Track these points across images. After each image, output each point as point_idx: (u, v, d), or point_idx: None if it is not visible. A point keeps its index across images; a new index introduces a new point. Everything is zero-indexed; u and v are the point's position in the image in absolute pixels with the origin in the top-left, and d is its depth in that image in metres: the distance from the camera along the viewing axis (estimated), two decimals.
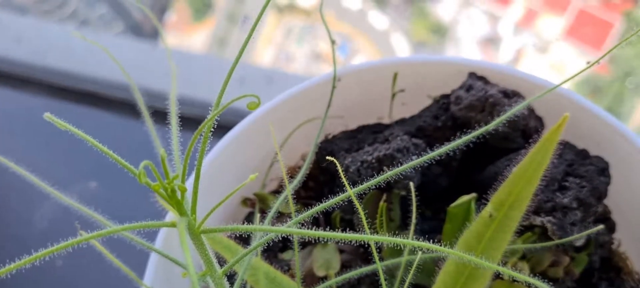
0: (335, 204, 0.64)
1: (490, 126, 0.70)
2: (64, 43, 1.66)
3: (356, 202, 0.64)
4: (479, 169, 0.88)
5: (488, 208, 0.72)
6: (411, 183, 0.73)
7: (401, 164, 0.80)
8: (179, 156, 0.59)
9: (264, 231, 0.58)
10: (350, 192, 0.64)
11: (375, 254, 0.67)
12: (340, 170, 0.61)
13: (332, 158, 0.60)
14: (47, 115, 0.53)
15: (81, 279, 1.39)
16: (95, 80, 1.56)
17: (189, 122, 1.30)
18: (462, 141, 0.70)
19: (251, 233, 0.88)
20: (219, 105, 0.57)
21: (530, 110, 0.83)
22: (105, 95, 1.56)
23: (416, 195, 0.81)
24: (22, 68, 1.57)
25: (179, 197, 0.54)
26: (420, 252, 0.74)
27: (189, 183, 0.57)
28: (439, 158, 0.70)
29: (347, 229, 0.90)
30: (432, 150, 0.79)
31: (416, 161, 0.68)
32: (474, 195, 0.77)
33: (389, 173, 0.66)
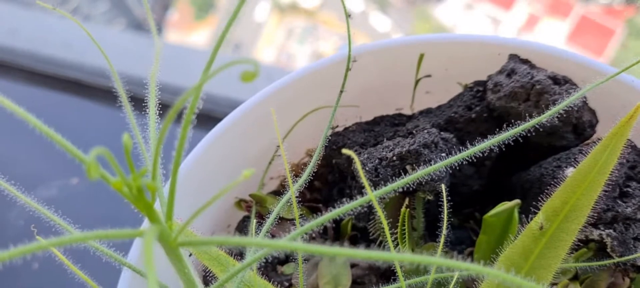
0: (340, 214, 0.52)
1: (544, 117, 0.57)
2: (46, 29, 1.54)
3: (378, 208, 0.52)
4: (517, 170, 0.75)
5: (538, 219, 0.60)
6: (443, 186, 0.61)
7: (427, 162, 0.68)
8: (155, 148, 0.47)
9: (260, 246, 0.45)
10: (371, 195, 0.51)
11: (400, 274, 0.54)
12: (358, 167, 0.48)
13: (349, 152, 0.47)
14: None
15: (58, 283, 1.29)
16: (80, 68, 1.43)
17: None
18: (507, 135, 0.57)
19: None
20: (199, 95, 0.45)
21: (584, 102, 0.70)
22: (90, 83, 1.44)
23: (442, 201, 0.69)
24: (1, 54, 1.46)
25: (149, 199, 0.41)
26: (452, 271, 0.62)
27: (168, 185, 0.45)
28: (472, 156, 0.58)
29: (361, 238, 0.78)
30: (463, 146, 0.66)
31: (451, 159, 0.56)
32: (517, 201, 0.65)
33: (419, 173, 0.54)
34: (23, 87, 1.51)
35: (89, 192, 1.38)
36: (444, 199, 0.61)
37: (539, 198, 0.65)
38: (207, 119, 1.08)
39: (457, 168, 0.70)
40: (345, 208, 0.51)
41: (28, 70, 1.47)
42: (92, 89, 1.47)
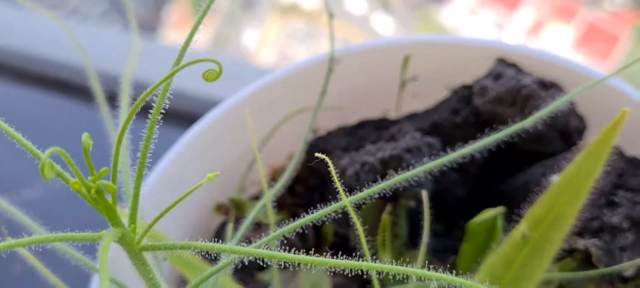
0: (328, 215, 0.52)
1: (527, 122, 0.57)
2: (35, 28, 1.53)
3: (353, 214, 0.51)
4: (503, 177, 0.74)
5: (521, 227, 0.59)
6: (424, 192, 0.60)
7: (411, 168, 0.67)
8: (116, 147, 0.46)
9: (229, 252, 0.45)
10: (346, 201, 0.51)
11: (376, 285, 0.53)
12: (333, 172, 0.47)
13: (323, 156, 0.46)
14: None
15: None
16: (69, 68, 1.42)
17: (182, 118, 1.18)
18: (489, 141, 0.57)
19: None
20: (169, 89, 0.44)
21: (571, 107, 0.69)
22: (79, 83, 1.43)
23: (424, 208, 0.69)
24: None
25: (109, 201, 0.41)
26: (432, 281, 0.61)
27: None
28: (456, 162, 0.58)
29: (342, 245, 0.77)
30: (448, 151, 0.66)
31: (430, 164, 0.55)
32: (500, 209, 0.64)
33: (396, 179, 0.53)
34: (11, 87, 1.50)
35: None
36: (426, 206, 0.60)
37: (523, 206, 0.64)
38: (189, 120, 1.08)
39: (441, 174, 0.69)
40: (319, 214, 0.51)
41: (17, 70, 1.46)
42: (81, 89, 1.46)
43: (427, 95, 0.79)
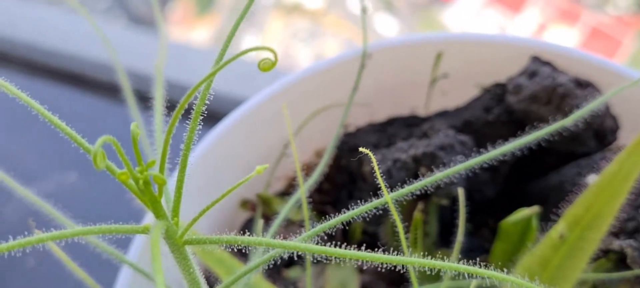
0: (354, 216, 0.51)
1: (567, 121, 0.56)
2: (43, 18, 1.53)
3: (394, 211, 0.51)
4: (533, 177, 0.74)
5: (559, 227, 0.59)
6: (460, 190, 0.59)
7: (443, 165, 0.66)
8: (162, 141, 0.45)
9: (269, 246, 0.44)
10: (387, 197, 0.50)
11: (414, 281, 0.53)
12: (375, 167, 0.47)
13: (366, 151, 0.46)
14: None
15: (53, 281, 1.28)
16: (81, 60, 1.42)
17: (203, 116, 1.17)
18: (528, 140, 0.56)
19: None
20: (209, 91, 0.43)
21: (606, 107, 0.69)
22: (92, 77, 1.43)
23: (457, 207, 0.68)
24: None
25: (156, 193, 0.40)
26: (470, 278, 0.60)
27: (173, 181, 0.44)
28: (487, 162, 0.57)
29: (370, 243, 0.77)
30: (480, 150, 0.65)
31: (466, 163, 0.55)
32: (536, 208, 0.63)
33: (437, 175, 0.53)
34: (22, 79, 1.50)
35: (87, 189, 1.37)
36: (462, 204, 0.60)
37: (559, 206, 0.64)
38: (211, 118, 1.07)
39: (472, 174, 0.69)
40: (359, 210, 0.50)
41: (27, 62, 1.46)
42: (94, 83, 1.46)
43: (456, 93, 0.78)
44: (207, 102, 0.45)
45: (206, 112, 0.43)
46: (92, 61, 1.45)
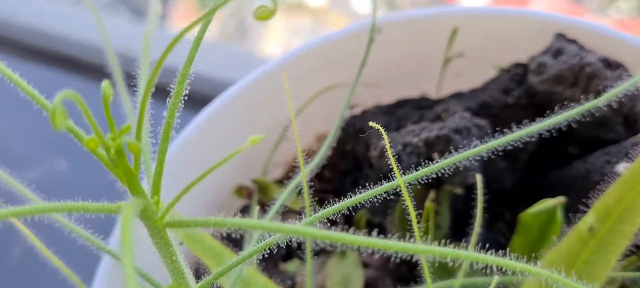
0: (363, 201, 0.46)
1: (598, 102, 0.50)
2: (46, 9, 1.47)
3: (407, 197, 0.45)
4: (556, 165, 0.68)
5: (588, 219, 0.53)
6: (478, 176, 0.54)
7: (459, 151, 0.61)
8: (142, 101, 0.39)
9: (265, 229, 0.39)
10: (400, 180, 0.44)
11: (427, 275, 0.47)
12: (387, 147, 0.41)
13: (376, 126, 0.40)
14: None
15: (40, 272, 1.22)
16: (77, 44, 1.36)
17: (195, 100, 1.13)
18: (552, 122, 0.51)
19: (244, 232, 0.69)
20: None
21: (638, 90, 0.63)
22: (83, 61, 1.37)
23: (471, 196, 0.63)
24: None
25: (131, 165, 0.34)
26: (487, 274, 0.55)
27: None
28: (505, 148, 0.51)
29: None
30: (498, 134, 0.59)
31: (483, 147, 0.49)
32: (561, 199, 0.58)
33: (453, 158, 0.47)
34: (17, 62, 1.44)
35: (76, 177, 1.32)
36: (480, 191, 0.54)
37: (585, 197, 0.58)
38: (204, 102, 1.03)
39: (489, 161, 0.63)
40: (367, 194, 0.45)
41: (24, 46, 1.40)
42: (88, 67, 1.41)
43: (471, 74, 0.72)
44: (191, 77, 0.39)
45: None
46: (87, 44, 1.40)
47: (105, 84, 0.33)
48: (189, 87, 0.40)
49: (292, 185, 0.58)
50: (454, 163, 0.53)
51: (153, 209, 0.37)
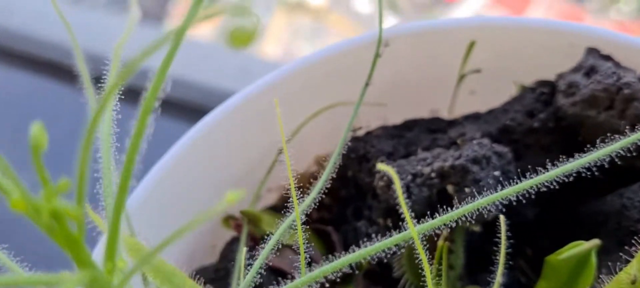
0: (366, 237, 0.38)
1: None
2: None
3: (422, 253, 0.37)
4: (585, 198, 0.60)
5: (631, 270, 0.45)
6: (502, 218, 0.46)
7: (476, 182, 0.53)
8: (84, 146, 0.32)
9: None
10: (413, 231, 0.37)
11: None
12: (398, 189, 0.33)
13: (386, 168, 0.32)
14: None
15: None
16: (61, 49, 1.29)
17: (190, 110, 1.05)
18: (592, 158, 0.44)
19: (233, 269, 0.61)
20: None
21: None
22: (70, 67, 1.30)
23: (488, 231, 0.55)
24: None
25: (73, 231, 0.27)
26: None
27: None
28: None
29: (379, 275, 0.63)
30: (521, 162, 0.52)
31: (508, 191, 0.42)
32: (597, 242, 0.50)
33: (469, 206, 0.40)
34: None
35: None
36: (503, 235, 0.47)
37: (621, 236, 0.51)
38: (198, 113, 0.96)
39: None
40: (373, 249, 0.37)
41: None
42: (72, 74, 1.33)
43: (488, 93, 0.65)
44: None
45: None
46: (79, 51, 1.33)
47: (37, 128, 0.25)
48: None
49: (284, 225, 0.50)
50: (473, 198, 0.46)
51: (106, 280, 0.29)
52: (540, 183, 0.46)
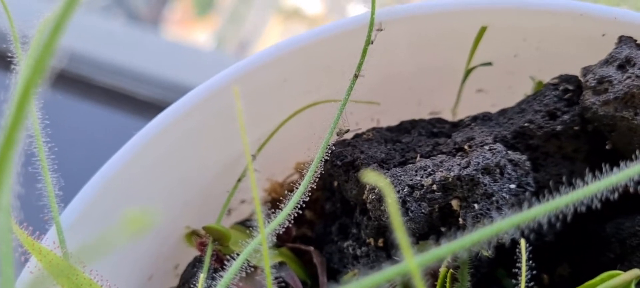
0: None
1: None
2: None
3: (421, 285, 0.29)
4: (612, 216, 0.52)
5: None
6: (523, 243, 0.38)
7: (487, 197, 0.44)
8: None
9: None
10: (412, 265, 0.28)
11: None
12: (390, 200, 0.25)
13: (376, 179, 0.24)
14: None
15: None
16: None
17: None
18: (630, 173, 0.35)
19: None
20: None
21: None
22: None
23: (497, 255, 0.47)
24: None
25: None
26: None
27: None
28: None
29: None
30: (539, 172, 0.44)
31: (525, 215, 0.34)
32: (636, 272, 0.41)
33: (482, 232, 0.31)
34: None
35: None
36: (523, 265, 0.38)
37: None
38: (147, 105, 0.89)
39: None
40: (366, 283, 0.28)
41: None
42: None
43: (498, 90, 0.57)
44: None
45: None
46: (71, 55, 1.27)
47: None
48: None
49: (252, 243, 0.42)
50: (483, 216, 0.37)
51: None
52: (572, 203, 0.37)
